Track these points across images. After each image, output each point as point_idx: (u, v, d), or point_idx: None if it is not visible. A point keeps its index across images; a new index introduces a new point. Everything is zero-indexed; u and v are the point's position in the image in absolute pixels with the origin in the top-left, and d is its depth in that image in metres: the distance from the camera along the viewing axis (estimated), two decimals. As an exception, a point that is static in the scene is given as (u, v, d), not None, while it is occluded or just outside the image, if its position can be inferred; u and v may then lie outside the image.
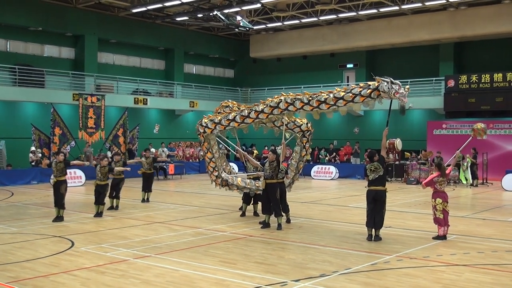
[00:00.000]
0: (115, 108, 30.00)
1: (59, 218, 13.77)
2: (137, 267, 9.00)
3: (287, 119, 13.94)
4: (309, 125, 14.71)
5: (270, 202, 12.83)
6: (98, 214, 14.53)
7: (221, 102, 15.46)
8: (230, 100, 15.32)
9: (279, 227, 12.62)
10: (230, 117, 13.67)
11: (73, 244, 10.87)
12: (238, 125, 13.64)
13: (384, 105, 11.86)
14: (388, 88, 10.90)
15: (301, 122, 14.64)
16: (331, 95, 11.86)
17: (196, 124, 14.68)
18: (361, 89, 11.46)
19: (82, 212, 15.46)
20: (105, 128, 27.56)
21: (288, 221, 13.59)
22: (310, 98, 12.17)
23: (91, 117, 26.99)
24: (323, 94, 12.07)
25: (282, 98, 12.71)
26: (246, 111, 13.42)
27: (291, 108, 12.51)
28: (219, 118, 13.92)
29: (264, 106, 13.03)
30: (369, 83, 11.51)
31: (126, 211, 15.82)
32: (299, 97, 12.42)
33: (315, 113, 12.49)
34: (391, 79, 11.04)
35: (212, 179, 14.95)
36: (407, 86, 11.22)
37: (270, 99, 13.06)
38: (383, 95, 11.07)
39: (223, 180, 14.77)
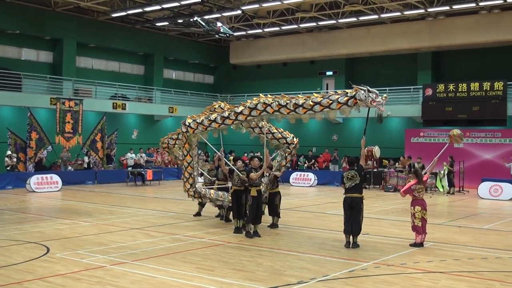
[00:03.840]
0: (93, 113, 29.73)
1: (239, 230, 13.04)
2: (113, 274, 8.90)
3: (274, 128, 14.35)
4: (295, 139, 15.19)
5: (256, 208, 12.73)
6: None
7: (213, 103, 15.49)
8: (224, 102, 15.32)
9: (248, 234, 12.53)
10: (212, 117, 13.75)
11: (48, 250, 10.71)
12: (219, 126, 13.70)
13: (363, 112, 11.91)
14: (365, 96, 10.96)
15: (288, 135, 15.14)
16: (309, 100, 11.95)
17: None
18: (339, 96, 11.55)
19: (58, 218, 15.26)
20: (82, 133, 27.34)
21: (274, 226, 13.82)
22: (288, 101, 12.28)
23: (68, 122, 26.73)
24: (300, 98, 12.17)
25: (261, 100, 12.80)
26: (227, 113, 13.52)
27: (268, 109, 12.59)
28: (202, 118, 13.98)
29: (243, 107, 13.15)
30: (346, 90, 11.60)
31: (103, 217, 15.66)
32: (277, 99, 12.53)
33: (291, 117, 12.58)
34: (368, 87, 11.10)
35: (186, 189, 14.83)
36: (385, 95, 11.26)
37: (250, 101, 13.13)
38: (360, 103, 11.14)
39: (196, 191, 14.66)
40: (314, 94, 12.15)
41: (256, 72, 38.89)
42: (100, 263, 9.66)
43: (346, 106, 11.40)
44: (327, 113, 11.95)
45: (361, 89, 11.07)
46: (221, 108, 14.78)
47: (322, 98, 11.76)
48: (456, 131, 12.61)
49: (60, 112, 26.45)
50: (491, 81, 27.22)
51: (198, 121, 14.00)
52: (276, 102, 12.44)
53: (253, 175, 12.52)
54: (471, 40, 28.92)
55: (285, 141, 15.10)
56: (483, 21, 28.38)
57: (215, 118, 13.67)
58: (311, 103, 11.86)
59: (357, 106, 11.30)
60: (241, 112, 13.17)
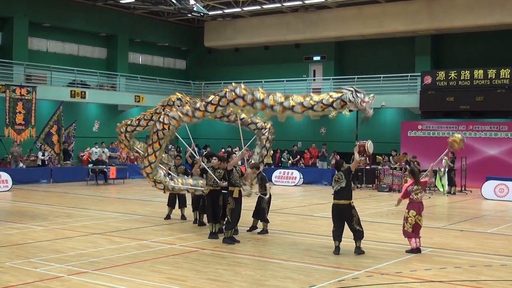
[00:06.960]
0: (48, 102, 29.50)
1: (214, 235, 12.98)
2: (71, 285, 8.86)
3: (243, 114, 14.32)
4: (268, 124, 15.00)
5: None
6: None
7: (170, 95, 15.40)
8: (182, 93, 15.25)
9: (226, 240, 12.51)
10: (184, 110, 13.63)
11: (-4, 258, 10.63)
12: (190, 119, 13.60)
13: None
14: (354, 97, 11.10)
15: (257, 120, 15.01)
16: (290, 99, 11.95)
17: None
18: (323, 97, 11.65)
19: (8, 222, 15.11)
20: (36, 125, 27.09)
21: (254, 229, 13.94)
22: (265, 97, 12.21)
23: (19, 112, 26.50)
24: (279, 96, 12.12)
25: (228, 89, 12.68)
26: (198, 104, 13.39)
27: (238, 101, 12.50)
28: (176, 113, 13.85)
29: (207, 103, 13.04)
30: (330, 93, 11.75)
31: (59, 220, 15.56)
32: (252, 92, 12.43)
33: (265, 113, 12.55)
34: (354, 88, 11.30)
35: (143, 166, 14.40)
36: (372, 95, 11.37)
37: (216, 96, 12.96)
38: (350, 105, 11.28)
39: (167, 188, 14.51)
40: (294, 95, 12.12)
41: (233, 56, 38.83)
42: (56, 272, 9.59)
43: (332, 108, 11.51)
44: (308, 114, 12.04)
45: (348, 90, 11.24)
46: (180, 100, 14.67)
47: (303, 100, 11.82)
48: (457, 135, 12.70)
49: (10, 101, 26.19)
50: (496, 68, 27.50)
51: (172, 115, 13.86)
52: (250, 95, 12.38)
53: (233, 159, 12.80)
54: (474, 22, 29.18)
55: (255, 126, 14.97)
56: (487, 1, 28.65)
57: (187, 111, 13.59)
58: (292, 103, 11.91)
59: (346, 109, 11.42)
60: (206, 110, 13.10)
